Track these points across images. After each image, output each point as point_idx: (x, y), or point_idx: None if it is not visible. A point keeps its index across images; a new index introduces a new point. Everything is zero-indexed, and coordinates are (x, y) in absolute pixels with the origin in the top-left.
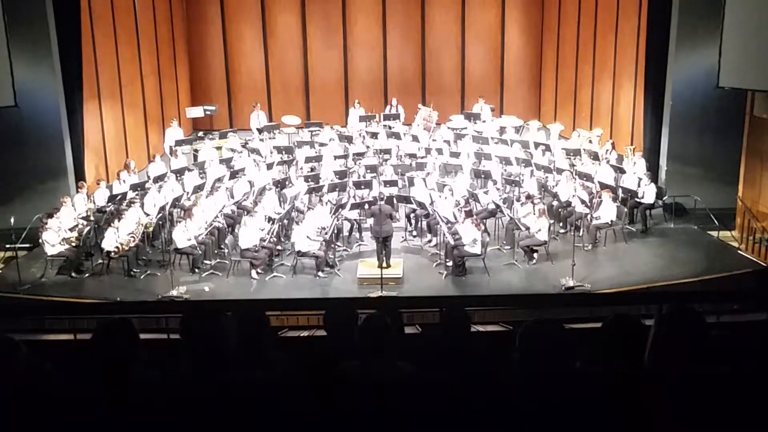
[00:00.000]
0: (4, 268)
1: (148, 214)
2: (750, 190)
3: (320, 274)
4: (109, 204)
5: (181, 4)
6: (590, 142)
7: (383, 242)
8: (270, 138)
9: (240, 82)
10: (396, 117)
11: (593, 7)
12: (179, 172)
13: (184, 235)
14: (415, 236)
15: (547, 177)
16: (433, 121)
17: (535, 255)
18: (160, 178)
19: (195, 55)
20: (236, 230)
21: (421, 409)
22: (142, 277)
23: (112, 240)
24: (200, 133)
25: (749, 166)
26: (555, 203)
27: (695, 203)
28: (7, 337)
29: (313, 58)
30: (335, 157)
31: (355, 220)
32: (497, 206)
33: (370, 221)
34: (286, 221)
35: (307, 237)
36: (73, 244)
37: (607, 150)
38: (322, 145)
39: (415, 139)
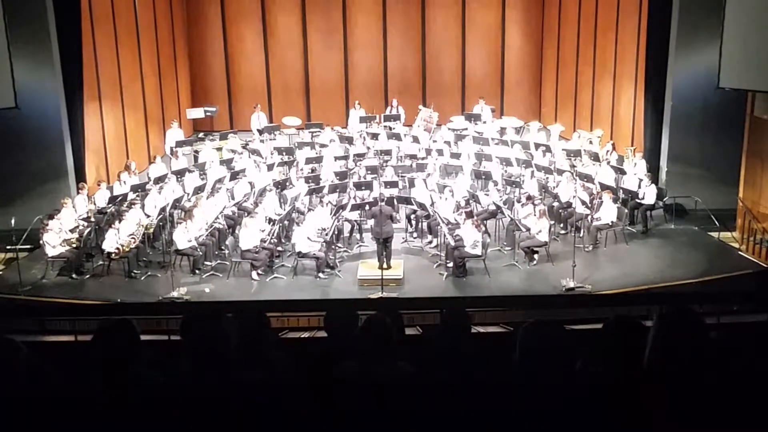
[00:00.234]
0: (4, 269)
1: (148, 216)
2: (750, 191)
3: (321, 275)
4: (110, 205)
5: (181, 5)
6: (591, 143)
7: (384, 243)
8: (270, 139)
9: (240, 83)
10: (396, 118)
11: (593, 8)
12: (180, 174)
13: (185, 237)
14: (415, 237)
15: (547, 178)
16: (434, 122)
17: (536, 256)
18: (160, 180)
19: (195, 56)
20: (237, 231)
21: (421, 409)
22: (142, 278)
23: (113, 241)
24: (201, 135)
25: (750, 166)
26: (555, 204)
27: (696, 204)
28: (7, 339)
29: (314, 59)
30: (336, 158)
31: (355, 221)
32: (498, 207)
33: (371, 222)
34: (286, 222)
35: (308, 238)
36: (74, 246)
37: (607, 151)
38: (322, 146)
39: (415, 140)
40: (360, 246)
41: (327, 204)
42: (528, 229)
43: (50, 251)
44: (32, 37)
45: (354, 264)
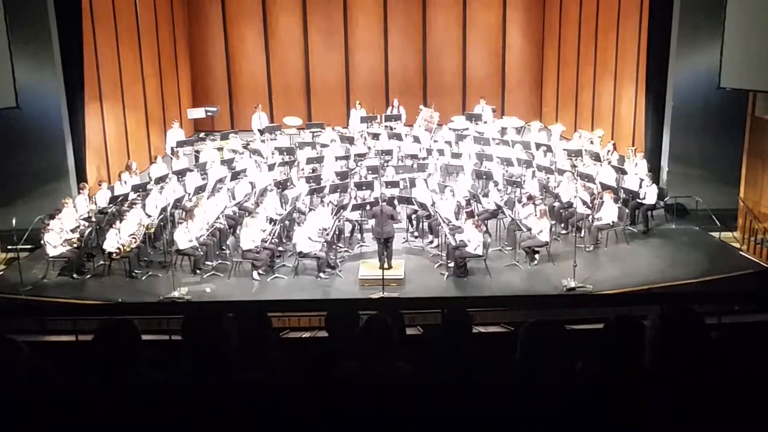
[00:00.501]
0: (5, 269)
1: (149, 215)
2: (751, 190)
3: (321, 275)
4: (111, 205)
5: (182, 5)
6: (591, 142)
7: (385, 243)
8: (271, 139)
9: (241, 83)
10: (397, 118)
11: (594, 8)
12: (181, 173)
13: (186, 236)
14: (416, 237)
15: (548, 178)
16: (435, 122)
17: (537, 256)
18: (161, 179)
19: (196, 56)
20: (237, 231)
21: (421, 409)
22: (143, 278)
23: (114, 241)
24: (202, 134)
25: (751, 166)
26: (556, 204)
27: (696, 204)
28: (8, 338)
29: (315, 59)
30: (336, 158)
31: (356, 221)
32: (499, 207)
33: (372, 222)
34: (287, 222)
35: (309, 238)
36: (75, 246)
37: (608, 151)
38: (323, 146)
39: (416, 140)
40: (361, 246)
41: (328, 204)
42: (529, 229)
43: (51, 251)
44: (33, 37)
45: (355, 264)
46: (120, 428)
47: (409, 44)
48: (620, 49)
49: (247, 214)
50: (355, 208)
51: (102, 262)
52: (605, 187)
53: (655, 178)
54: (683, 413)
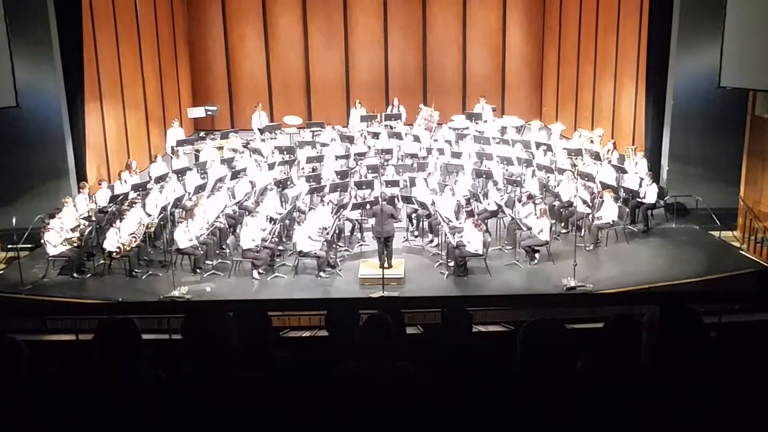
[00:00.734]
0: (6, 268)
1: (149, 215)
2: (751, 190)
3: (322, 274)
4: (111, 204)
5: (182, 4)
6: (591, 142)
7: (385, 242)
8: (271, 138)
9: (241, 82)
10: (397, 117)
11: (594, 7)
12: (181, 173)
13: (186, 236)
14: (416, 236)
15: (548, 177)
16: (435, 121)
17: (537, 255)
18: (161, 179)
19: (196, 55)
20: (238, 230)
21: (422, 409)
22: (143, 277)
23: (114, 240)
24: (202, 134)
25: (751, 165)
26: (556, 203)
27: (697, 203)
28: (9, 338)
29: (315, 58)
30: (336, 157)
31: (356, 220)
32: (499, 206)
33: (372, 221)
34: (287, 221)
35: (309, 237)
36: (75, 245)
37: (608, 150)
38: (323, 145)
39: (416, 139)
40: (361, 245)
41: (328, 203)
42: (529, 228)
43: (51, 250)
44: (33, 36)
45: (355, 263)
46: (120, 427)
47: (409, 43)
48: (620, 48)
49: (247, 214)
50: (355, 207)
51: (102, 261)
52: (605, 186)
53: (655, 177)
54: (682, 412)
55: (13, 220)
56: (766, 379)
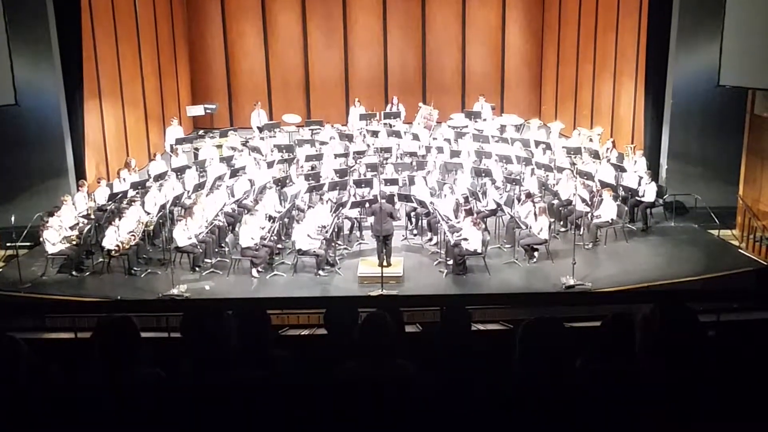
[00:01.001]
0: (5, 266)
1: (148, 213)
2: (750, 188)
3: (321, 272)
4: (110, 202)
5: (181, 2)
6: (591, 140)
7: (384, 241)
8: (270, 136)
9: (240, 80)
10: (396, 115)
11: (594, 6)
12: (180, 171)
13: (185, 234)
14: (415, 235)
15: (547, 175)
16: (434, 119)
17: (536, 254)
18: (160, 177)
19: (195, 53)
20: (237, 229)
21: (421, 407)
22: (142, 275)
23: (113, 238)
24: (201, 132)
25: (750, 164)
26: (555, 202)
27: (696, 202)
28: (8, 336)
29: (314, 57)
30: (336, 156)
31: (355, 218)
32: (498, 205)
33: (371, 220)
34: (286, 220)
35: (308, 235)
36: (74, 243)
37: (607, 148)
38: (322, 143)
39: (415, 137)
40: (360, 243)
41: (327, 201)
42: (528, 227)
43: (50, 248)
44: (32, 34)
45: (354, 261)
46: (119, 425)
47: (408, 42)
48: (620, 46)
49: (246, 212)
50: (354, 205)
51: (101, 260)
52: (604, 184)
53: (654, 175)
54: (681, 411)
55: (12, 218)
56: (765, 378)
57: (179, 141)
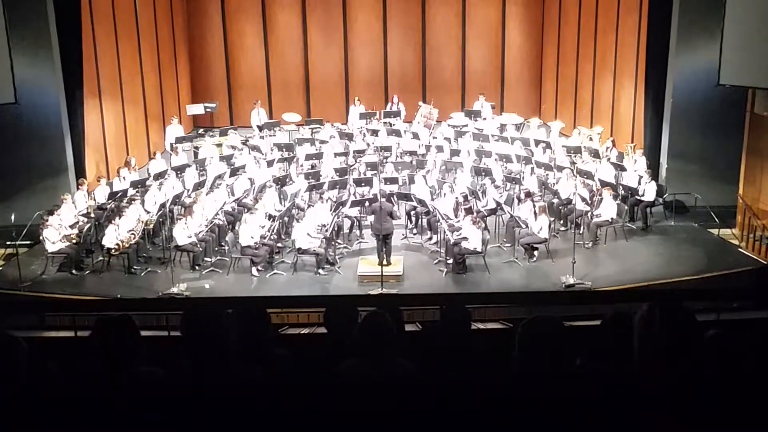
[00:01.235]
0: (4, 265)
1: (148, 211)
2: (750, 187)
3: (320, 271)
4: (110, 201)
5: (181, 1)
6: (591, 139)
7: (384, 240)
8: (270, 135)
9: (240, 79)
10: (396, 114)
11: (594, 5)
12: (180, 169)
13: (185, 233)
14: (415, 234)
15: (547, 174)
16: (434, 118)
17: (536, 253)
18: (160, 176)
19: (195, 52)
20: (237, 227)
21: (421, 407)
22: (142, 274)
23: (113, 237)
24: (201, 131)
25: (750, 163)
26: (555, 201)
27: (696, 201)
28: (7, 334)
29: (314, 56)
30: (336, 155)
31: (355, 217)
32: (498, 204)
33: (371, 219)
34: (286, 218)
35: (308, 234)
36: (74, 241)
37: (607, 147)
38: (322, 142)
39: (415, 136)
40: (360, 242)
41: (327, 200)
42: (528, 226)
43: (50, 247)
44: (32, 33)
45: (354, 260)
46: (119, 424)
47: (408, 41)
48: (620, 45)
49: (246, 211)
50: (354, 204)
51: (101, 258)
52: (604, 183)
53: (654, 174)
54: (681, 412)
55: (12, 217)
56: (765, 377)
57: (179, 140)
